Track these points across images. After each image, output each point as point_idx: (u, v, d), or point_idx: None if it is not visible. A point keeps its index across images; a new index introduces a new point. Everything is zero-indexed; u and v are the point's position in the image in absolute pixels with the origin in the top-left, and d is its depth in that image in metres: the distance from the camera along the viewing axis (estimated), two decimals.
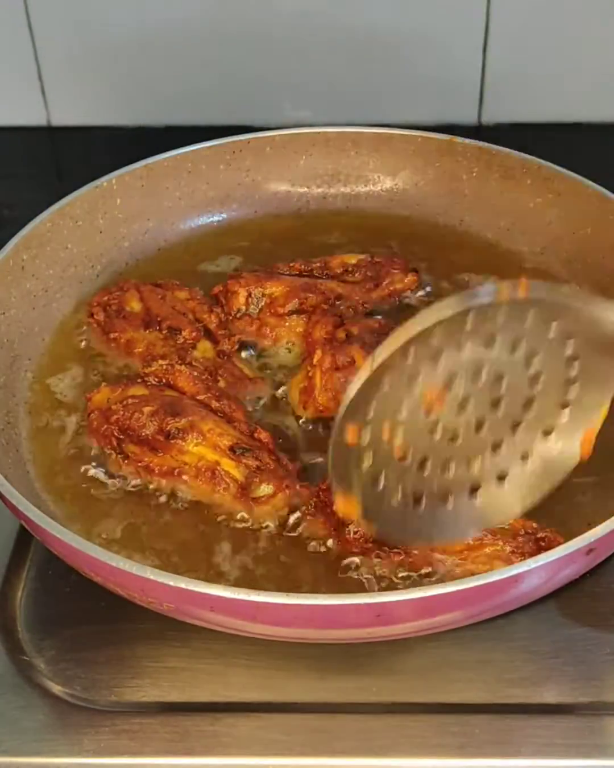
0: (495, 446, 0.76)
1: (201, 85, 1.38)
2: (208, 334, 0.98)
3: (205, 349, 0.97)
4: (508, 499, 0.78)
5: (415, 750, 0.76)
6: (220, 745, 0.77)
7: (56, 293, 1.03)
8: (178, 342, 0.96)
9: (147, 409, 0.87)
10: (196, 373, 0.91)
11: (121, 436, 0.88)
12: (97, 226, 1.07)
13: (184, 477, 0.86)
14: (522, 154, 1.11)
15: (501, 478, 0.77)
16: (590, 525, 0.75)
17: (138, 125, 1.42)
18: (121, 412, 0.88)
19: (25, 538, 0.90)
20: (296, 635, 0.77)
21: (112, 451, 0.89)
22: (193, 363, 0.94)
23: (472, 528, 0.79)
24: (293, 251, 1.09)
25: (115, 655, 0.83)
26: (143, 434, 0.87)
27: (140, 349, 0.97)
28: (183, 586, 0.71)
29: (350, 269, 1.04)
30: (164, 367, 0.92)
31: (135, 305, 1.00)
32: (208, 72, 1.37)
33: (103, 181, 1.07)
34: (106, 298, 1.01)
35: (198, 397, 0.90)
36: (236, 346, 0.98)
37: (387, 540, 0.80)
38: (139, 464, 0.87)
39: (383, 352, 0.70)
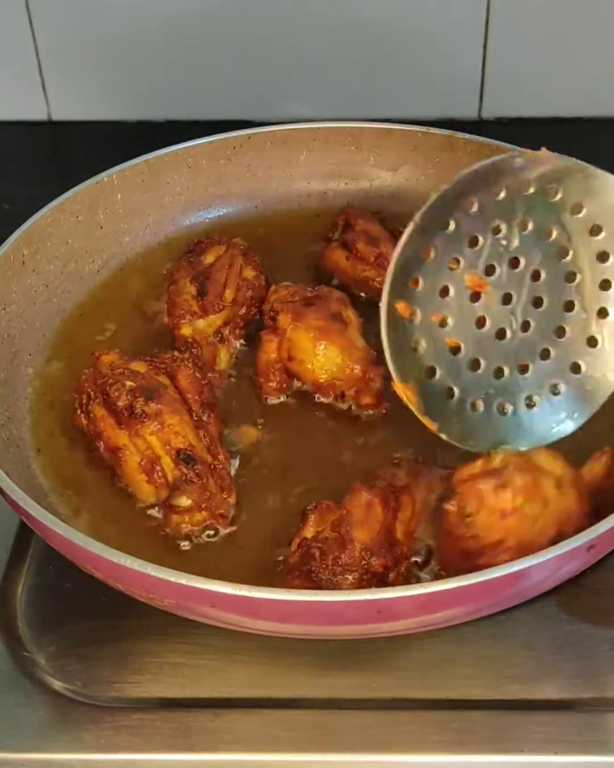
0: (544, 354, 0.79)
1: (201, 80, 1.38)
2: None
3: (223, 359, 0.98)
4: (560, 414, 0.80)
5: (416, 746, 0.77)
6: (220, 741, 0.77)
7: (57, 288, 1.03)
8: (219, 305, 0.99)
9: (128, 384, 0.88)
10: (198, 375, 0.91)
11: (95, 397, 0.89)
12: (97, 221, 1.07)
13: (123, 458, 0.86)
14: (523, 150, 1.10)
15: (554, 391, 0.79)
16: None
17: (138, 120, 1.42)
18: (109, 377, 0.89)
19: (26, 534, 0.90)
20: (297, 631, 0.77)
21: (79, 407, 0.90)
22: (204, 367, 0.95)
23: (525, 441, 0.80)
24: (293, 247, 1.09)
25: (116, 651, 0.83)
26: (114, 403, 0.87)
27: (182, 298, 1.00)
28: (184, 582, 0.71)
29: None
30: (174, 357, 0.93)
31: (210, 258, 1.03)
32: (208, 67, 1.37)
33: (104, 176, 1.07)
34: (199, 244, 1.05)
35: (186, 396, 0.90)
36: None
37: (448, 438, 0.79)
38: (94, 428, 0.88)
39: (422, 213, 0.74)
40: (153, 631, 0.83)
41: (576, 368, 0.80)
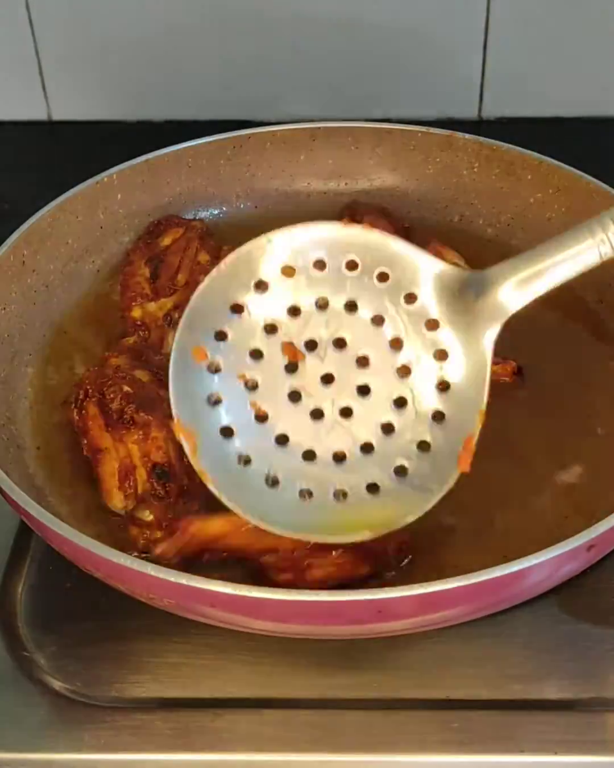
0: (366, 448, 0.70)
1: (201, 79, 1.38)
2: None
3: (171, 343, 0.98)
4: (377, 512, 0.70)
5: (416, 746, 0.76)
6: (220, 741, 0.77)
7: (57, 288, 1.03)
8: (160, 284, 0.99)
9: (126, 389, 0.88)
10: None
11: (91, 395, 0.89)
12: (97, 221, 1.07)
13: (102, 460, 0.86)
14: (523, 150, 1.10)
15: (372, 488, 0.71)
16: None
17: (138, 120, 1.42)
18: (109, 379, 0.89)
19: (26, 534, 0.89)
20: (297, 631, 0.77)
21: (75, 401, 0.90)
22: (152, 350, 0.95)
23: (336, 531, 0.71)
24: None
25: (116, 651, 0.83)
26: (108, 405, 0.87)
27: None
28: (184, 582, 0.70)
29: None
30: None
31: (167, 241, 1.03)
32: (208, 67, 1.37)
33: (104, 176, 1.06)
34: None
35: None
36: None
37: (227, 504, 0.72)
38: (83, 424, 0.88)
39: (233, 256, 0.69)
40: (153, 631, 0.83)
41: (400, 471, 0.71)
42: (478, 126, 1.40)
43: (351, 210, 1.09)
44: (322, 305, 0.71)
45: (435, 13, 1.32)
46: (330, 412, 0.70)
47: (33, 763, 0.77)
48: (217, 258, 1.02)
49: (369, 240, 0.71)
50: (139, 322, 0.98)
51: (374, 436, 0.70)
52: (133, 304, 0.99)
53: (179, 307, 0.99)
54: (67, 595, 0.86)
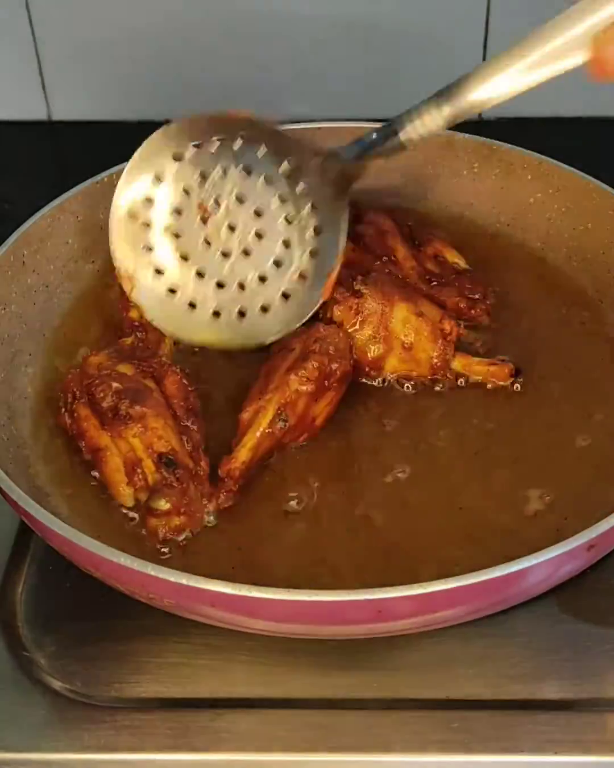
0: (262, 279, 0.91)
1: (201, 79, 1.38)
2: None
3: (168, 345, 0.98)
4: (268, 326, 0.91)
5: (416, 746, 0.76)
6: (220, 741, 0.77)
7: (57, 288, 1.03)
8: None
9: (115, 385, 0.89)
10: (185, 382, 0.92)
11: (80, 397, 0.90)
12: (97, 221, 1.07)
13: (103, 459, 0.87)
14: (523, 150, 1.10)
15: (264, 308, 0.91)
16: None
17: (138, 120, 1.42)
18: (95, 379, 0.90)
19: (26, 534, 0.90)
20: (297, 631, 0.77)
21: (64, 406, 0.91)
22: (148, 350, 0.96)
23: (237, 341, 0.92)
24: None
25: (116, 651, 0.83)
26: (99, 404, 0.88)
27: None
28: (184, 581, 0.71)
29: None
30: (162, 363, 0.93)
31: None
32: (208, 66, 1.37)
33: (104, 175, 1.06)
34: None
35: (171, 400, 0.90)
36: None
37: (158, 326, 0.92)
38: (77, 428, 0.89)
39: (152, 138, 0.91)
40: (152, 630, 0.83)
41: (285, 295, 0.91)
42: (478, 126, 1.40)
43: (353, 209, 1.09)
44: (225, 171, 0.90)
45: (435, 13, 1.32)
46: (235, 253, 0.91)
47: (33, 763, 0.77)
48: None
49: (258, 124, 0.94)
50: (136, 323, 0.97)
51: (267, 270, 0.90)
52: (131, 304, 0.99)
53: None
54: (67, 595, 0.86)
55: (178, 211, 0.91)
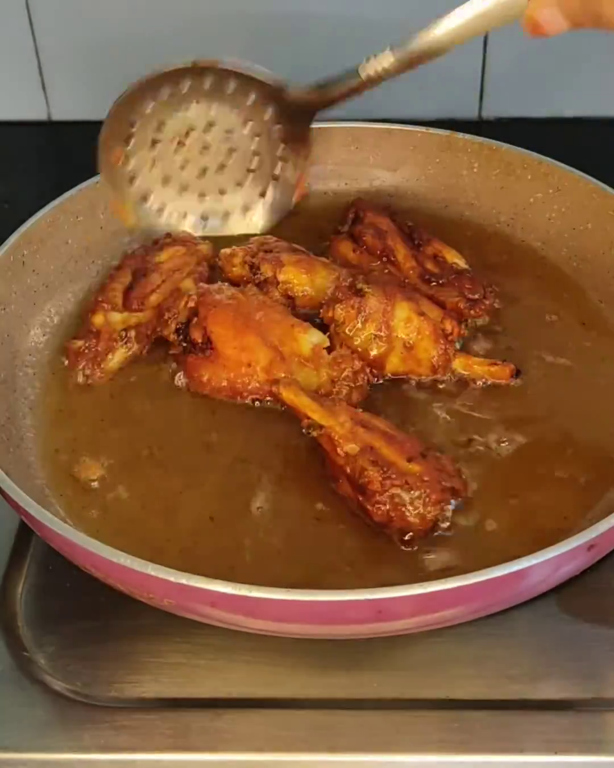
0: (239, 184, 1.07)
1: None
2: None
3: (116, 360, 0.98)
4: (252, 222, 1.09)
5: (416, 746, 0.76)
6: (220, 741, 0.77)
7: (57, 288, 1.03)
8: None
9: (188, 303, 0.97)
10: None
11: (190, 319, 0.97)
12: (97, 221, 1.07)
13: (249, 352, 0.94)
14: (523, 150, 1.11)
15: (246, 208, 1.08)
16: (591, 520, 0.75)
17: None
18: (175, 311, 0.97)
19: (26, 534, 0.90)
20: (297, 631, 0.77)
21: (181, 341, 0.96)
22: (94, 360, 0.97)
23: (224, 228, 1.09)
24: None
25: (116, 650, 0.83)
26: (191, 329, 0.96)
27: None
28: (184, 581, 0.71)
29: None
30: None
31: (163, 257, 1.05)
32: None
33: None
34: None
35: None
36: None
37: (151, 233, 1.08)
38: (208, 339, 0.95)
39: (133, 85, 1.00)
40: (153, 630, 0.83)
41: (262, 194, 1.07)
42: (478, 126, 1.40)
43: (355, 209, 1.09)
44: (197, 103, 1.02)
45: (435, 13, 1.32)
46: (212, 168, 1.06)
47: (33, 763, 0.77)
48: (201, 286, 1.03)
49: (226, 66, 1.03)
50: (93, 329, 0.96)
51: (243, 176, 1.06)
52: (99, 309, 0.98)
53: (142, 326, 0.98)
54: (67, 595, 0.86)
55: (154, 142, 1.03)
